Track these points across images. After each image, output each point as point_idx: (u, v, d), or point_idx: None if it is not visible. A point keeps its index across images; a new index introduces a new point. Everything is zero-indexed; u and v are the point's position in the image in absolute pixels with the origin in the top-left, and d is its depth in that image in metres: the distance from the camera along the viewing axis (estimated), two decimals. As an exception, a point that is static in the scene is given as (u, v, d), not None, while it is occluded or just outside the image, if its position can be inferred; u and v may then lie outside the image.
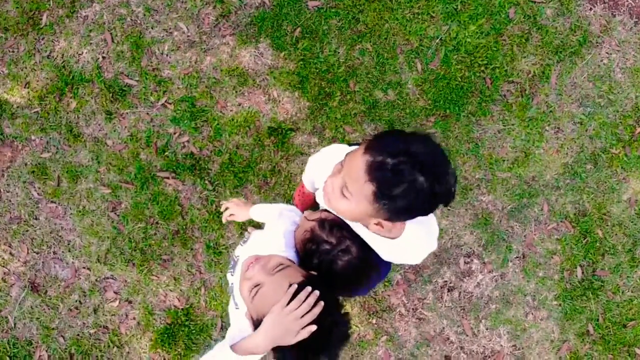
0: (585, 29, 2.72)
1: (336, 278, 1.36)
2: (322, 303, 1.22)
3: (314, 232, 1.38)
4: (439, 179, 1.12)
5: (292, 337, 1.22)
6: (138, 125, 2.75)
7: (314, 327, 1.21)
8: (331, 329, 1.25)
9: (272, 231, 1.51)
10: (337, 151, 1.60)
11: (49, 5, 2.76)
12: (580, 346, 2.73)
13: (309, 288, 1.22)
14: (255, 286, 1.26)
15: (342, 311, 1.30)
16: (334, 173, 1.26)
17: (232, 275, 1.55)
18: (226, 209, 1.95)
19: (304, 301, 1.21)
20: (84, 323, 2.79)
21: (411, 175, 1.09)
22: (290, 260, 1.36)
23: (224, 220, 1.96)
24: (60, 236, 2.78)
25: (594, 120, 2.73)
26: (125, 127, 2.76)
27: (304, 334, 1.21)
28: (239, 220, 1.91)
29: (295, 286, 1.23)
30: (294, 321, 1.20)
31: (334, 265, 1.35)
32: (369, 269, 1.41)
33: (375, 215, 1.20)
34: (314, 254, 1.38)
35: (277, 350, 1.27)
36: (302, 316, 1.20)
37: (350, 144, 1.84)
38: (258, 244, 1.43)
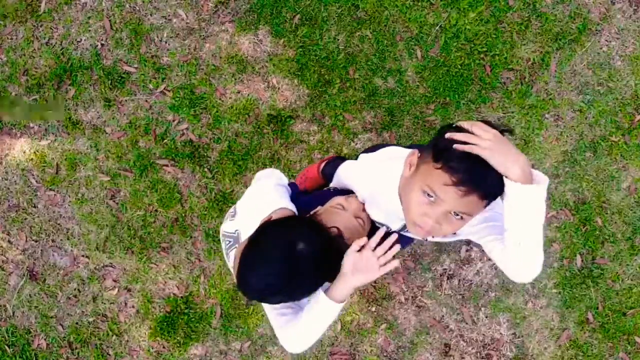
0: (584, 16, 2.72)
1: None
2: (397, 247, 1.28)
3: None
4: None
5: (375, 273, 1.27)
6: (137, 112, 2.75)
7: (396, 263, 1.27)
8: None
9: (260, 191, 1.51)
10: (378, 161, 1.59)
11: (48, -8, 2.76)
12: (580, 334, 2.73)
13: (381, 232, 1.29)
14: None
15: None
16: (426, 207, 1.22)
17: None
18: None
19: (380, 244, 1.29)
20: (82, 311, 2.78)
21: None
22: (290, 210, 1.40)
23: None
24: (58, 224, 2.78)
25: (593, 108, 2.73)
26: (124, 114, 2.75)
27: (387, 269, 1.28)
28: None
29: (384, 229, 1.28)
30: (375, 261, 1.26)
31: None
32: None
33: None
34: None
35: None
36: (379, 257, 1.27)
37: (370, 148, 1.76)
38: (252, 209, 1.42)
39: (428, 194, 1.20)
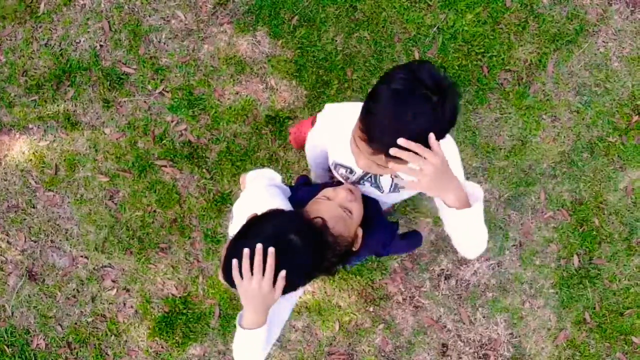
0: (581, 17, 2.73)
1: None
2: (272, 250, 1.15)
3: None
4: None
5: (271, 296, 1.18)
6: (135, 113, 2.76)
7: (283, 272, 1.17)
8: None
9: (251, 192, 1.52)
10: (337, 115, 1.61)
11: (47, -7, 2.77)
12: (577, 334, 2.74)
13: (246, 251, 1.16)
14: None
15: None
16: (357, 151, 1.27)
17: None
18: None
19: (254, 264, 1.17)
20: (81, 312, 2.79)
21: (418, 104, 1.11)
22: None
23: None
24: (57, 225, 2.79)
25: (590, 108, 2.74)
26: (123, 115, 2.76)
27: (280, 284, 1.18)
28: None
29: (235, 261, 1.18)
30: (257, 286, 1.16)
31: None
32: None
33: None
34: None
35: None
36: (262, 276, 1.16)
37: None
38: (244, 211, 1.43)
39: (354, 141, 1.25)
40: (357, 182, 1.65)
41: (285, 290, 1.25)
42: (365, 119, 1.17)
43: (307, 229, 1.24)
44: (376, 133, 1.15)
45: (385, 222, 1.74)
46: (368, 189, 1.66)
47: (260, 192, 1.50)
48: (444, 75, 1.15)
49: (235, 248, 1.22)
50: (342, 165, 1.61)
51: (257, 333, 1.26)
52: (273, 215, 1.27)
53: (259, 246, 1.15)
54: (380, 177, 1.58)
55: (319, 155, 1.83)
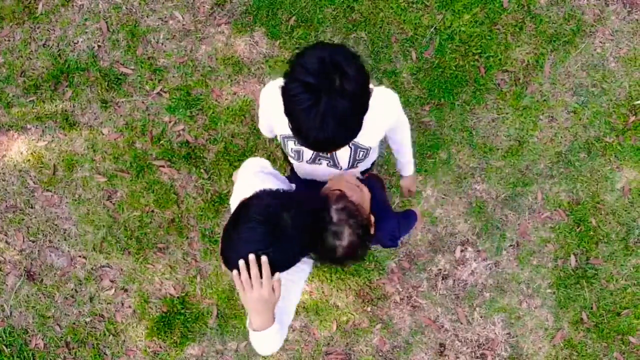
0: (579, 18, 2.73)
1: (319, 247, 1.37)
2: (264, 260, 1.18)
3: (329, 198, 1.41)
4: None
5: (272, 299, 1.24)
6: (133, 113, 2.76)
7: (277, 277, 1.22)
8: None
9: (243, 183, 1.53)
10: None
11: (45, -6, 2.77)
12: (574, 334, 2.75)
13: (241, 263, 1.20)
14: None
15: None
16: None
17: None
18: None
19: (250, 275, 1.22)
20: (79, 311, 2.80)
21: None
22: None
23: None
24: (56, 225, 2.79)
25: (587, 109, 2.74)
26: (121, 115, 2.77)
27: (277, 289, 1.24)
28: None
29: (235, 272, 1.22)
30: (257, 294, 1.22)
31: (323, 236, 1.36)
32: (346, 259, 1.42)
33: None
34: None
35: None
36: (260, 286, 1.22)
37: None
38: (238, 201, 1.44)
39: None
40: (313, 162, 1.66)
41: (279, 270, 1.26)
42: (300, 137, 1.24)
43: (299, 204, 1.25)
44: (317, 146, 1.25)
45: (392, 214, 1.75)
46: (326, 169, 1.67)
47: (251, 180, 1.51)
48: (323, 53, 1.17)
49: (227, 235, 1.24)
50: (290, 138, 1.59)
51: (269, 332, 1.31)
52: (261, 195, 1.27)
53: (252, 257, 1.18)
54: (337, 152, 1.59)
55: (271, 130, 1.82)
